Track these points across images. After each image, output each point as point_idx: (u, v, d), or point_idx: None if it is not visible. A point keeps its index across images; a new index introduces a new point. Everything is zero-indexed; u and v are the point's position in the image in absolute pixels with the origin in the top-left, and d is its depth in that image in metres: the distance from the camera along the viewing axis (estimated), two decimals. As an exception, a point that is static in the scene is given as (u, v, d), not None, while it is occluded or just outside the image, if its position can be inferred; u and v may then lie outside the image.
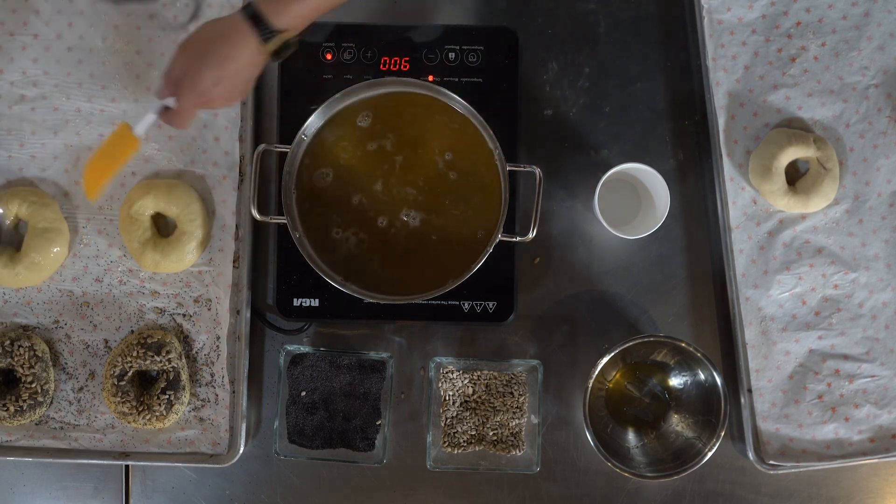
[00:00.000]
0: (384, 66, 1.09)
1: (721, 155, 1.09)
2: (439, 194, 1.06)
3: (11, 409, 1.04)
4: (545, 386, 1.09)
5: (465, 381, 1.09)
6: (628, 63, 1.13)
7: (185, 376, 1.06)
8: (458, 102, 1.04)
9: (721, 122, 1.09)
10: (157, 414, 1.04)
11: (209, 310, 1.08)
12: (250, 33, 0.89)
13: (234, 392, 1.08)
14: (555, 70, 1.13)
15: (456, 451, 1.09)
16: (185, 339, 1.09)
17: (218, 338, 1.08)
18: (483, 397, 1.09)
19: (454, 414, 1.09)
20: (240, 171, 1.09)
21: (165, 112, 0.96)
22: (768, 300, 1.08)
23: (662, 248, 1.11)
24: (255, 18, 0.89)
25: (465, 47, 1.09)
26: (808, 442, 1.08)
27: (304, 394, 1.08)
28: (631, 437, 1.09)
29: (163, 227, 1.10)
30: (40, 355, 1.06)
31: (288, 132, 1.05)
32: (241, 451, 1.07)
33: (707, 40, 1.10)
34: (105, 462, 1.08)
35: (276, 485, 1.10)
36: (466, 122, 1.05)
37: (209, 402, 1.08)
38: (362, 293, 1.03)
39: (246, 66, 0.91)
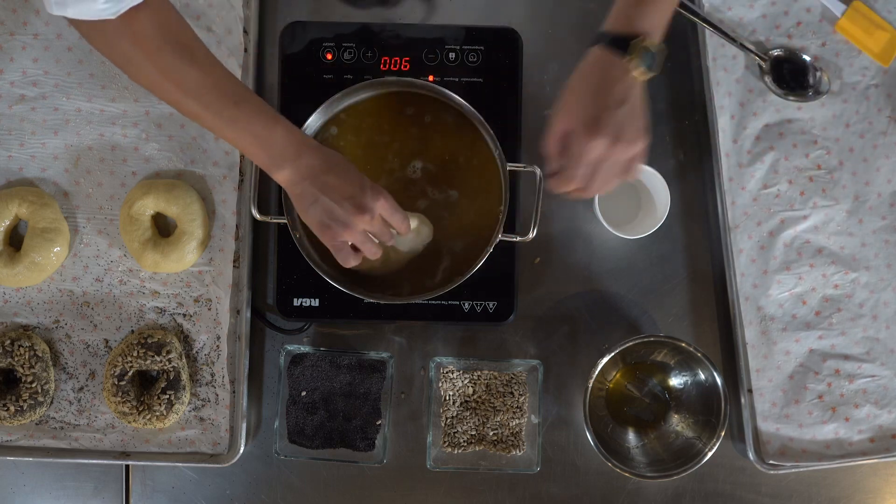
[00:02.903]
0: (384, 66, 1.09)
1: (721, 155, 1.09)
2: (439, 193, 1.06)
3: (12, 408, 1.04)
4: (545, 386, 1.09)
5: (465, 381, 1.09)
6: (628, 63, 1.13)
7: (185, 376, 1.06)
8: (458, 102, 1.04)
9: (721, 121, 1.09)
10: (158, 414, 1.04)
11: (209, 310, 1.08)
12: (613, 56, 0.86)
13: (234, 392, 1.08)
14: (555, 70, 1.13)
15: (456, 451, 1.09)
16: (186, 339, 1.09)
17: (218, 338, 1.08)
18: (483, 397, 1.09)
19: (454, 414, 1.09)
20: (240, 171, 1.09)
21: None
22: (768, 300, 1.08)
23: (662, 248, 1.11)
24: (614, 42, 0.86)
25: (465, 47, 1.09)
26: (808, 442, 1.08)
27: (304, 394, 1.08)
28: (631, 437, 1.09)
29: (163, 227, 1.10)
30: (40, 355, 1.06)
31: (288, 132, 1.05)
32: (241, 451, 1.07)
33: (707, 40, 1.10)
34: (105, 462, 1.08)
35: (276, 485, 1.10)
36: (466, 122, 1.05)
37: (209, 401, 1.08)
38: (362, 293, 1.03)
39: (634, 93, 0.88)
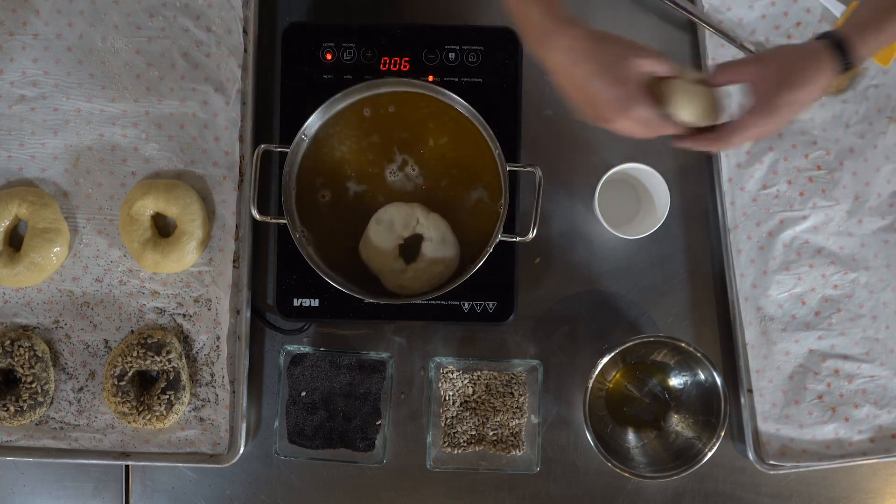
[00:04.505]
0: (384, 66, 1.09)
1: (720, 155, 1.09)
2: (439, 194, 1.06)
3: (11, 409, 1.04)
4: (545, 386, 1.09)
5: (465, 381, 1.09)
6: (628, 63, 1.13)
7: (185, 376, 1.06)
8: (458, 102, 1.04)
9: (721, 122, 1.09)
10: (158, 414, 1.04)
11: (209, 310, 1.08)
12: (831, 60, 0.86)
13: (234, 392, 1.08)
14: (555, 70, 1.13)
15: (456, 451, 1.09)
16: (185, 339, 1.09)
17: (218, 338, 1.08)
18: (483, 397, 1.09)
19: (454, 414, 1.09)
20: (240, 171, 1.09)
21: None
22: (768, 300, 1.08)
23: (662, 248, 1.11)
24: (839, 45, 0.86)
25: (465, 47, 1.09)
26: (808, 442, 1.08)
27: (304, 394, 1.08)
28: (631, 437, 1.09)
29: (163, 227, 1.10)
30: (40, 355, 1.06)
31: (288, 132, 1.05)
32: (241, 451, 1.07)
33: (707, 40, 1.10)
34: (105, 462, 1.08)
35: (276, 485, 1.10)
36: (466, 122, 1.05)
37: (209, 402, 1.08)
38: (362, 293, 1.03)
39: (816, 94, 0.87)
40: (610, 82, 0.84)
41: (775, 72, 0.86)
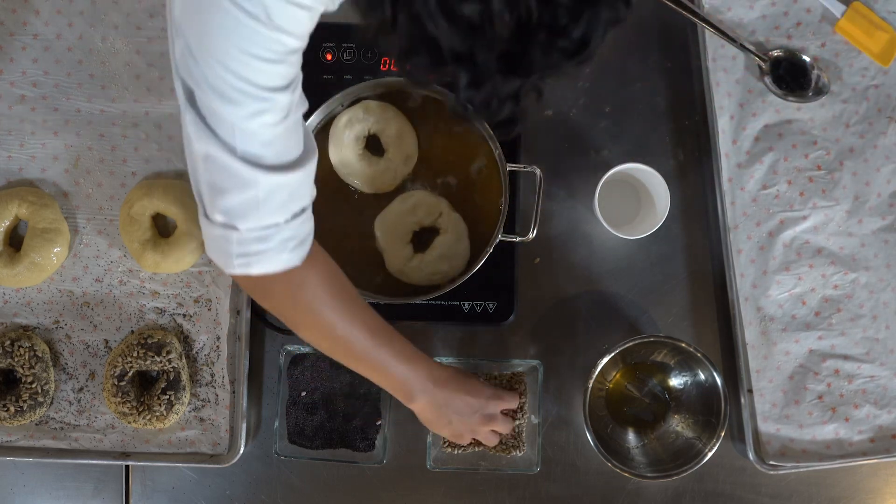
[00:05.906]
0: (384, 66, 1.09)
1: (720, 155, 1.09)
2: (439, 194, 1.06)
3: (11, 409, 1.04)
4: (545, 386, 1.09)
5: (466, 382, 1.09)
6: (628, 63, 1.13)
7: (185, 376, 1.06)
8: (458, 102, 1.04)
9: (721, 122, 1.09)
10: (158, 414, 1.04)
11: (209, 310, 1.08)
12: None
13: (234, 392, 1.08)
14: (555, 70, 1.12)
15: (456, 451, 1.09)
16: (186, 340, 1.09)
17: (218, 338, 1.08)
18: (483, 397, 1.09)
19: (454, 414, 1.09)
20: (240, 172, 1.09)
21: None
22: (768, 300, 1.08)
23: (662, 248, 1.11)
24: None
25: (465, 47, 1.08)
26: (808, 442, 1.08)
27: (304, 394, 1.08)
28: (631, 437, 1.09)
29: (163, 228, 1.10)
30: (40, 355, 1.06)
31: (288, 132, 1.05)
32: (241, 451, 1.07)
33: (707, 40, 1.10)
34: (105, 462, 1.08)
35: (276, 485, 1.10)
36: (466, 121, 1.05)
37: (209, 402, 1.08)
38: (362, 293, 1.03)
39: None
40: (486, 384, 1.03)
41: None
